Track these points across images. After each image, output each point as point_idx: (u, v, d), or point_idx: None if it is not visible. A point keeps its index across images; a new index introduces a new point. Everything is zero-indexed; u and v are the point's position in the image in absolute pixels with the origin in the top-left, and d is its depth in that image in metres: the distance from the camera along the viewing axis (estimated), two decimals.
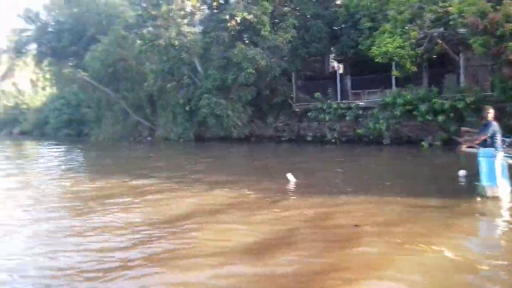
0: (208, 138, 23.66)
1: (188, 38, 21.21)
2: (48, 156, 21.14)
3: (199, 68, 22.24)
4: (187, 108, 22.80)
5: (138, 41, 23.63)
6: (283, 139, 20.65)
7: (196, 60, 21.98)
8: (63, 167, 15.47)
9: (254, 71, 18.70)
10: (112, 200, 8.53)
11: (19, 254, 5.39)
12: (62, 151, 24.26)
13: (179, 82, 22.89)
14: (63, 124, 37.03)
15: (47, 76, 41.15)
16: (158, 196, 8.73)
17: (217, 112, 20.26)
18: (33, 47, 32.45)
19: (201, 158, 16.39)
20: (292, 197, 8.45)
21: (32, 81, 45.98)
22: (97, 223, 6.73)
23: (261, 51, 18.95)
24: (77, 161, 18.47)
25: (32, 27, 30.28)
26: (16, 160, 19.56)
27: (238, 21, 19.15)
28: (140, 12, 22.94)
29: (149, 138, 28.63)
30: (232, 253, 5.01)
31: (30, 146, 30.73)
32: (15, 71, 49.21)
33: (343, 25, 19.18)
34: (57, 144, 30.90)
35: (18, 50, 30.48)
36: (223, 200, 8.07)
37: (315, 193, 8.23)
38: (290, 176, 9.39)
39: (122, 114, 30.04)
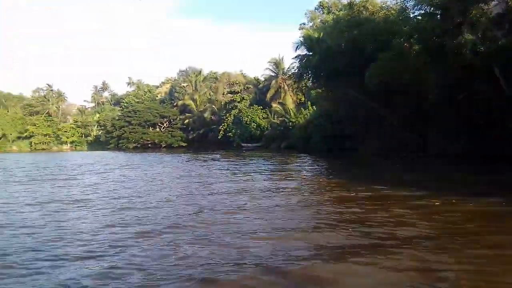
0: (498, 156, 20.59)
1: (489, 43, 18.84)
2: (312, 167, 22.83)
3: (501, 78, 19.43)
4: (479, 121, 20.34)
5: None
6: None
7: (497, 69, 19.31)
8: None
9: None
10: None
11: None
12: (342, 163, 25.88)
13: (469, 94, 20.73)
14: (325, 139, 40.00)
15: (312, 94, 45.82)
16: None
17: None
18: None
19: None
20: None
21: (296, 100, 52.43)
22: None
23: None
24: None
25: (302, 52, 34.60)
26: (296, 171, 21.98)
27: None
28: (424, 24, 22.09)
29: (419, 154, 27.43)
30: None
31: (302, 159, 34.42)
32: (281, 92, 57.26)
33: None
34: (323, 157, 33.59)
35: (299, 75, 34.68)
36: None
37: None
38: None
39: (390, 129, 30.00)
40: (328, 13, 50.90)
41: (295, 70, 39.01)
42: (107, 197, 13.85)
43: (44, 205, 12.26)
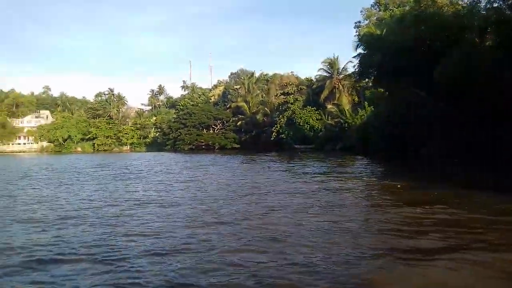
0: None
1: None
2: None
3: None
4: None
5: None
6: None
7: None
8: None
9: None
10: None
11: None
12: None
13: None
14: (384, 140, 38.54)
15: (367, 95, 44.61)
16: None
17: None
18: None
19: None
20: None
21: (353, 100, 51.27)
22: None
23: None
24: None
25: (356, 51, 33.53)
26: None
27: None
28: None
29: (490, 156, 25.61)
30: None
31: (361, 161, 33.45)
32: (335, 93, 56.21)
33: None
34: (384, 159, 32.45)
35: (360, 74, 33.81)
36: None
37: None
38: None
39: (457, 129, 28.28)
40: (385, 10, 49.23)
41: (355, 69, 38.09)
42: (201, 198, 14.28)
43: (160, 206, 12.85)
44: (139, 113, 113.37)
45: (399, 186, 14.77)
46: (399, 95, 33.05)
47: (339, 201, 12.13)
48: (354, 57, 36.41)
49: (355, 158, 35.90)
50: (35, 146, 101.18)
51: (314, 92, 61.92)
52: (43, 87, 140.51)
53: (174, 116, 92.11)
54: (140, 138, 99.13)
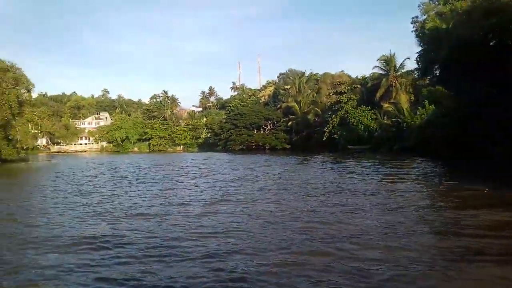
0: None
1: None
2: None
3: None
4: None
5: None
6: None
7: None
8: None
9: None
10: None
11: None
12: None
13: None
14: (448, 141, 36.44)
15: (424, 93, 42.41)
16: None
17: None
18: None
19: None
20: None
21: (411, 99, 49.03)
22: None
23: None
24: None
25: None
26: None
27: None
28: None
29: None
30: None
31: (424, 164, 31.89)
32: (392, 91, 54.13)
33: None
34: (449, 161, 30.65)
35: (424, 71, 32.30)
36: None
37: None
38: None
39: None
40: (445, 4, 46.62)
41: (417, 65, 36.37)
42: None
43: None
44: (191, 114, 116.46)
45: (486, 190, 13.77)
46: (467, 92, 31.07)
47: (430, 211, 11.55)
48: (418, 53, 34.62)
49: (418, 160, 34.29)
50: (95, 146, 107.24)
51: (368, 91, 60.02)
52: (102, 90, 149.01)
53: (224, 117, 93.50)
54: (193, 138, 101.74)
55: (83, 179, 24.36)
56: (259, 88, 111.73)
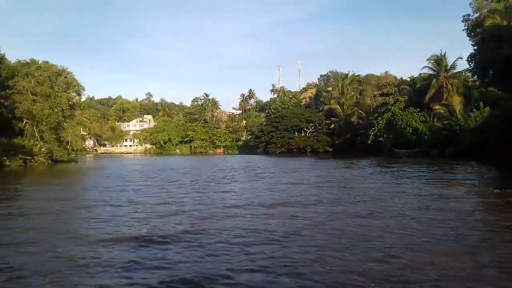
0: None
1: None
2: None
3: None
4: None
5: None
6: None
7: None
8: None
9: None
10: None
11: None
12: None
13: None
14: (508, 145, 34.02)
15: (475, 94, 39.97)
16: None
17: None
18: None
19: None
20: None
21: (462, 100, 46.43)
22: None
23: None
24: None
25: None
26: None
27: None
28: None
29: None
30: None
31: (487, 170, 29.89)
32: (443, 92, 51.57)
33: None
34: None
35: (482, 71, 30.38)
36: None
37: None
38: None
39: None
40: (498, 1, 43.87)
41: (470, 65, 34.31)
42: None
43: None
44: (231, 117, 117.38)
45: None
46: None
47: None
48: (474, 51, 32.59)
49: (475, 165, 32.16)
50: (139, 148, 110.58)
51: (416, 92, 57.56)
52: (146, 94, 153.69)
53: (264, 119, 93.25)
54: (233, 141, 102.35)
55: (138, 180, 24.84)
56: (299, 90, 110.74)
